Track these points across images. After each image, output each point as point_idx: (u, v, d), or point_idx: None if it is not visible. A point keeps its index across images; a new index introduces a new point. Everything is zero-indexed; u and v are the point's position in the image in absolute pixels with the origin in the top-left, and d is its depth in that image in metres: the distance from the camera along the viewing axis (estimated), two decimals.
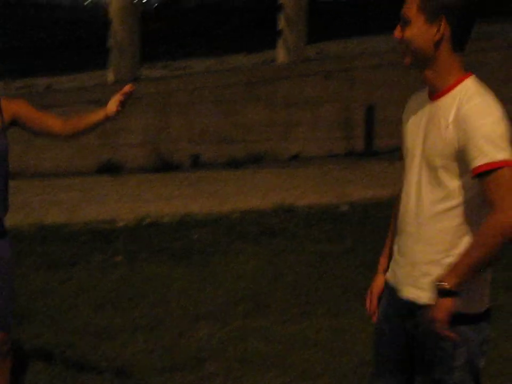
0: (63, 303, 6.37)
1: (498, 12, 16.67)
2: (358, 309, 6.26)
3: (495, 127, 2.74)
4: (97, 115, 4.17)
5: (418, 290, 2.96)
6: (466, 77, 2.86)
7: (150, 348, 5.48)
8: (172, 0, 34.59)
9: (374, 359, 3.31)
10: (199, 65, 15.01)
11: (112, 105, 4.04)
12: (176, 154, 12.55)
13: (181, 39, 18.08)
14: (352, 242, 8.20)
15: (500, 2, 17.15)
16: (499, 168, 2.71)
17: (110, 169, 12.29)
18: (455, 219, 2.87)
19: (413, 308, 2.99)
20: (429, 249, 2.94)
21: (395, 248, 3.14)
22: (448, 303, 2.79)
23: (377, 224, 8.88)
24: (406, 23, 2.83)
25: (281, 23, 13.88)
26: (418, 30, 2.80)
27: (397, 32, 2.88)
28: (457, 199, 2.87)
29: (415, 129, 3.02)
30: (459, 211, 2.87)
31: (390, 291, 3.16)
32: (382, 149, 13.95)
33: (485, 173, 2.73)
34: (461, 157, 2.79)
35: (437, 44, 2.80)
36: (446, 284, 2.79)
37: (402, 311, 3.06)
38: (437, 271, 2.88)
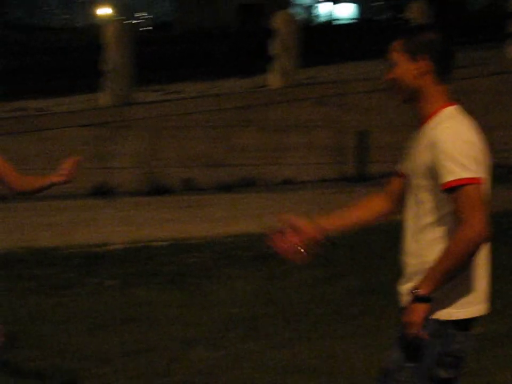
0: (56, 327, 6.36)
1: (487, 39, 16.82)
2: (351, 333, 6.28)
3: (461, 149, 2.99)
4: (46, 180, 4.35)
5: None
6: (448, 105, 3.13)
7: (142, 372, 5.46)
8: (164, 23, 34.71)
9: None
10: (192, 89, 15.07)
11: (60, 174, 4.25)
12: (169, 178, 12.58)
13: (173, 63, 18.13)
14: (344, 267, 8.21)
15: (488, 29, 17.31)
16: (464, 185, 2.96)
17: (103, 192, 12.31)
18: (435, 233, 3.10)
19: None
20: (415, 261, 3.15)
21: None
22: (422, 308, 3.01)
23: (368, 248, 8.91)
24: (392, 65, 3.15)
25: (275, 48, 13.95)
26: (404, 69, 3.12)
27: (387, 75, 3.17)
28: (435, 216, 3.10)
29: (411, 154, 3.26)
30: (437, 226, 3.10)
31: None
32: (374, 174, 13.99)
33: (452, 190, 2.98)
34: (433, 175, 3.05)
35: (421, 78, 3.11)
36: (421, 290, 3.00)
37: None
38: None
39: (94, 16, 53.12)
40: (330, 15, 37.32)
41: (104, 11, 52.86)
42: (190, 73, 17.20)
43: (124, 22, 13.41)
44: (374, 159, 14.13)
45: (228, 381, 5.36)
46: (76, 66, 17.14)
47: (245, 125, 13.21)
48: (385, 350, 5.78)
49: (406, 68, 3.12)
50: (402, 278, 3.25)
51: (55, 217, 10.68)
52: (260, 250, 8.66)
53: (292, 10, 18.73)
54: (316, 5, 56.57)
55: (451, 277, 3.02)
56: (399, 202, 3.33)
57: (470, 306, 3.15)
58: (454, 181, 2.97)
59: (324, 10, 55.49)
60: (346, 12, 54.09)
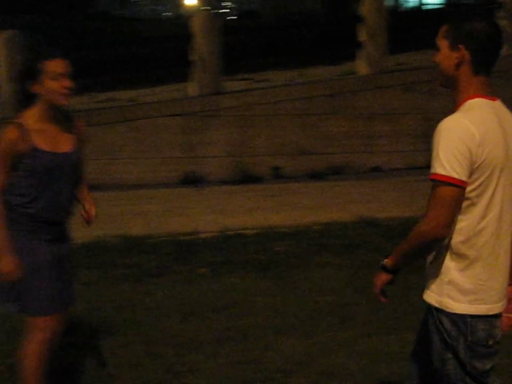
0: (149, 314, 6.47)
1: None
2: None
3: (450, 146, 3.05)
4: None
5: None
6: (475, 97, 3.19)
7: (235, 360, 5.52)
8: (250, 12, 34.76)
9: None
10: (280, 77, 15.07)
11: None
12: (258, 167, 12.63)
13: (261, 52, 18.15)
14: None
15: None
16: (437, 181, 3.08)
17: (193, 181, 12.44)
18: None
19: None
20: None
21: None
22: (382, 275, 3.40)
23: None
24: (437, 49, 3.26)
25: (362, 35, 13.86)
26: (444, 55, 3.22)
27: (434, 57, 3.28)
28: None
29: None
30: None
31: None
32: None
33: (431, 181, 3.12)
34: None
35: (457, 67, 3.19)
36: (387, 261, 3.35)
37: None
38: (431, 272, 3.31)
39: (182, 6, 53.62)
40: (420, 0, 36.79)
41: (191, 1, 53.30)
42: (278, 62, 17.19)
43: (211, 12, 13.46)
44: None
45: (319, 369, 5.38)
46: (165, 57, 17.30)
47: (333, 113, 13.16)
48: None
49: (445, 54, 3.21)
50: None
51: (146, 206, 10.84)
52: (350, 238, 8.65)
53: None
54: None
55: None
56: None
57: (481, 302, 3.22)
58: (432, 174, 3.09)
59: None
60: None
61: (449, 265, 3.22)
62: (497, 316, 3.29)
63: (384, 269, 3.38)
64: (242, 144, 12.86)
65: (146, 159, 12.54)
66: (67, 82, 4.26)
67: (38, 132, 4.29)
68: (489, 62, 3.21)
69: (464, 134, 3.07)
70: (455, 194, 3.08)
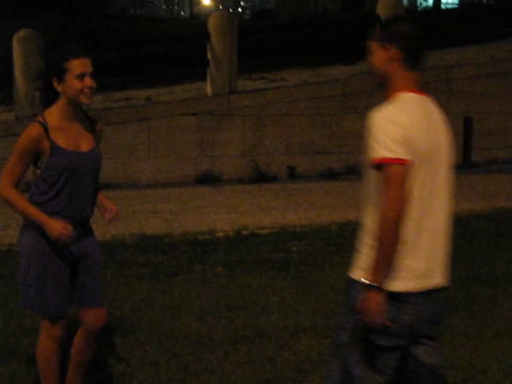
0: (166, 312, 6.47)
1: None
2: (458, 321, 6.19)
3: (387, 130, 3.28)
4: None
5: None
6: (406, 91, 3.44)
7: (252, 359, 5.51)
8: (265, 11, 34.74)
9: None
10: (295, 77, 15.06)
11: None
12: (273, 166, 12.64)
13: (276, 51, 18.15)
14: (452, 255, 8.09)
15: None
16: (385, 164, 3.26)
17: (208, 180, 12.45)
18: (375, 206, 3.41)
19: None
20: None
21: None
22: (377, 296, 3.33)
23: (477, 236, 8.77)
24: (369, 52, 3.52)
25: None
26: (376, 56, 3.48)
27: (368, 60, 3.56)
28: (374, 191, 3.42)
29: None
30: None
31: None
32: (480, 161, 13.77)
33: (377, 167, 3.29)
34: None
35: (389, 65, 3.44)
36: (369, 278, 3.34)
37: None
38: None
39: (198, 6, 53.67)
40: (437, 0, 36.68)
41: (207, 1, 53.33)
42: (293, 61, 17.18)
43: (227, 11, 13.46)
44: (480, 145, 13.88)
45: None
46: (181, 56, 17.31)
47: (348, 112, 13.14)
48: (495, 341, 5.72)
49: (378, 55, 3.47)
50: None
51: (162, 205, 10.86)
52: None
53: None
54: None
55: (390, 258, 3.30)
56: None
57: (400, 281, 3.38)
58: (377, 159, 3.27)
59: None
60: None
61: (374, 245, 3.35)
62: (409, 300, 3.41)
63: (373, 287, 3.33)
64: (257, 143, 12.86)
65: (162, 158, 12.56)
66: (90, 82, 4.30)
67: (60, 130, 4.33)
68: (418, 58, 3.47)
69: (396, 121, 3.32)
70: (403, 170, 3.27)
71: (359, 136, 13.18)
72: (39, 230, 4.33)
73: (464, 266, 7.46)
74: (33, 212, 4.31)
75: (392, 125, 3.31)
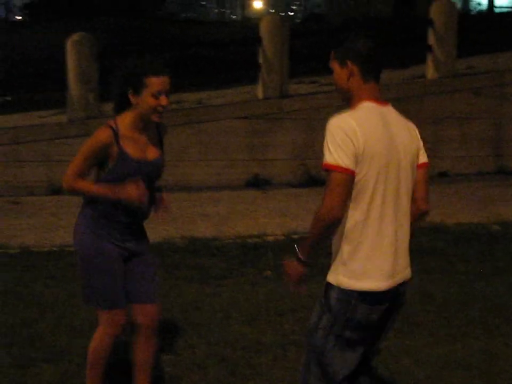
0: (215, 315, 6.48)
1: None
2: (510, 331, 6.11)
3: (334, 137, 3.50)
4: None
5: None
6: (365, 101, 3.66)
7: (300, 364, 5.47)
8: (316, 15, 34.70)
9: None
10: None
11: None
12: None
13: (328, 55, 18.09)
14: (504, 263, 8.00)
15: None
16: (329, 170, 3.50)
17: (258, 183, 12.45)
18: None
19: None
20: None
21: None
22: (299, 267, 3.74)
23: None
24: (331, 71, 3.76)
25: (431, 38, 13.71)
26: (337, 74, 3.72)
27: (332, 80, 3.75)
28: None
29: None
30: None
31: None
32: None
33: (325, 171, 3.53)
34: None
35: (349, 79, 3.67)
36: (299, 253, 3.69)
37: None
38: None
39: (249, 9, 53.75)
40: (491, 3, 36.23)
41: (259, 4, 53.39)
42: None
43: (278, 15, 13.45)
44: None
45: (385, 374, 5.33)
46: (232, 59, 17.38)
47: None
48: None
49: (338, 72, 3.72)
50: None
51: (212, 208, 10.88)
52: (418, 244, 8.54)
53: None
54: None
55: (317, 245, 3.64)
56: None
57: (369, 280, 3.63)
58: (323, 164, 3.52)
59: None
60: (506, 0, 52.52)
61: (343, 248, 3.63)
62: (382, 299, 3.67)
63: (299, 261, 3.71)
64: (307, 147, 12.82)
65: (212, 161, 12.59)
66: (165, 101, 4.36)
67: (129, 137, 4.38)
68: (374, 70, 3.70)
69: (347, 129, 3.51)
70: (344, 179, 3.49)
71: None
72: (93, 226, 4.44)
73: None
74: (101, 189, 4.38)
75: (343, 133, 3.51)
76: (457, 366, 5.52)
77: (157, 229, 9.45)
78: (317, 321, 3.79)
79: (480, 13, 41.75)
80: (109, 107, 4.57)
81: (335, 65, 3.74)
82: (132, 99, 4.33)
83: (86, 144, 4.39)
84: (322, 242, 3.65)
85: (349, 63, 3.68)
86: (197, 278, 7.52)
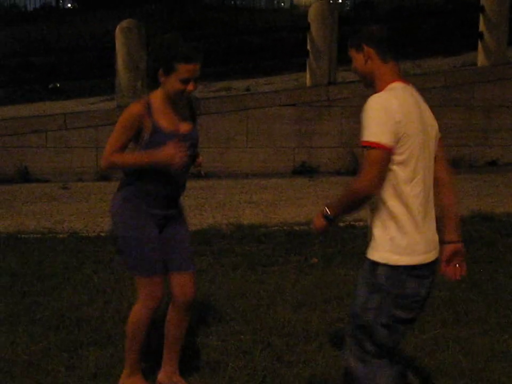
0: (261, 302, 6.48)
1: None
2: None
3: (376, 116, 3.61)
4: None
5: None
6: (394, 82, 3.79)
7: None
8: (366, 2, 34.44)
9: None
10: None
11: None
12: None
13: None
14: None
15: None
16: (368, 146, 3.60)
17: (306, 171, 12.42)
18: (387, 190, 3.75)
19: None
20: None
21: None
22: (324, 221, 3.81)
23: None
24: (351, 58, 3.92)
25: (482, 25, 13.54)
26: (355, 60, 3.89)
27: (352, 67, 3.93)
28: None
29: None
30: None
31: None
32: None
33: (363, 148, 3.64)
34: None
35: (368, 62, 3.83)
36: (328, 210, 3.79)
37: None
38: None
39: None
40: None
41: None
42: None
43: (328, 2, 13.37)
44: None
45: (432, 364, 5.28)
46: (280, 46, 17.32)
47: (450, 105, 12.91)
48: None
49: (356, 58, 3.87)
50: None
51: (259, 195, 10.88)
52: (466, 233, 8.43)
53: None
54: None
55: (347, 212, 3.81)
56: None
57: (417, 254, 3.74)
58: (363, 141, 3.62)
59: None
60: None
61: (389, 225, 3.73)
62: (425, 271, 3.78)
63: (326, 217, 3.80)
64: (355, 134, 12.63)
65: (260, 149, 12.59)
66: (192, 87, 4.49)
67: (162, 111, 4.52)
68: (391, 50, 3.83)
69: (389, 107, 3.63)
70: (383, 156, 3.60)
71: (459, 130, 12.98)
72: (131, 199, 4.59)
73: None
74: (139, 157, 4.50)
75: (385, 111, 3.63)
76: (505, 357, 5.46)
77: (204, 216, 9.50)
78: (365, 301, 3.81)
79: None
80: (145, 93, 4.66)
81: (352, 52, 3.90)
82: (161, 78, 4.45)
83: (120, 120, 4.52)
84: (352, 211, 3.81)
85: (365, 47, 3.83)
86: (244, 265, 7.53)
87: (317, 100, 12.73)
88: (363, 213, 3.97)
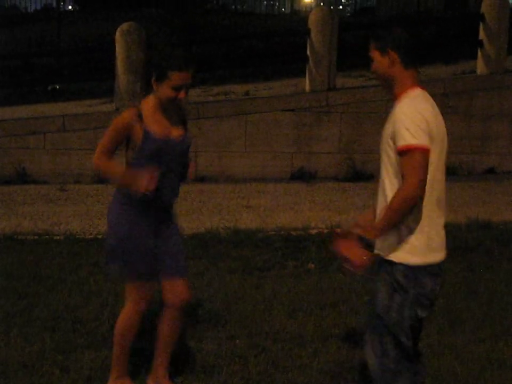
0: (257, 307, 6.48)
1: None
2: None
3: (413, 121, 3.74)
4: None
5: None
6: (414, 88, 3.93)
7: (341, 358, 5.47)
8: (366, 9, 34.46)
9: None
10: None
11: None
12: (369, 164, 12.49)
13: None
14: None
15: None
16: (410, 150, 3.70)
17: (303, 176, 12.41)
18: (391, 186, 3.88)
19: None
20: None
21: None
22: (366, 251, 3.78)
23: None
24: (372, 60, 4.02)
25: (482, 34, 13.55)
26: (378, 62, 3.99)
27: (372, 68, 4.04)
28: (389, 174, 3.91)
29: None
30: (391, 181, 3.90)
31: None
32: None
33: (402, 153, 3.74)
34: (394, 142, 3.82)
35: (391, 67, 3.94)
36: (369, 236, 3.78)
37: None
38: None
39: (298, 2, 53.60)
40: None
41: None
42: None
43: (328, 8, 13.38)
44: None
45: (427, 371, 5.25)
46: (280, 52, 17.32)
47: (449, 112, 12.89)
48: None
49: (379, 61, 3.97)
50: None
51: (256, 200, 10.88)
52: (463, 241, 8.46)
53: None
54: None
55: (394, 226, 3.78)
56: None
57: (432, 253, 3.88)
58: (404, 145, 3.72)
59: None
60: None
61: (405, 225, 3.83)
62: (438, 269, 3.93)
63: (367, 244, 3.81)
64: (354, 141, 12.76)
65: (258, 153, 12.58)
66: (183, 95, 4.53)
67: (153, 118, 4.59)
68: (414, 58, 3.96)
69: (422, 111, 3.80)
70: (426, 158, 3.73)
71: (457, 137, 12.97)
72: (125, 205, 4.63)
73: None
74: (115, 171, 4.56)
75: (420, 115, 3.77)
76: (500, 365, 5.46)
77: (201, 220, 9.49)
78: (389, 301, 3.92)
79: None
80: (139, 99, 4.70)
81: (375, 54, 3.99)
82: (153, 84, 4.53)
83: (112, 124, 4.62)
84: (398, 223, 3.79)
85: (390, 51, 3.93)
86: (240, 269, 7.53)
87: (316, 105, 12.73)
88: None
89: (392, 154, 3.86)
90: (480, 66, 13.65)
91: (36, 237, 8.60)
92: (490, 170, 13.19)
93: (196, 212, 9.96)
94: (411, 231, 3.85)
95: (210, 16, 24.80)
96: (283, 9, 53.79)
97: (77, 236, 8.68)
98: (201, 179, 11.80)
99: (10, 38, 21.04)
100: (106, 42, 14.70)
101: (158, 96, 4.54)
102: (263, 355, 5.50)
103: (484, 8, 13.55)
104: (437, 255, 3.93)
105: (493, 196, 11.25)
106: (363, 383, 5.00)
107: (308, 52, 12.93)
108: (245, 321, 6.13)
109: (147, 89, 4.68)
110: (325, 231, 8.91)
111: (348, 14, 43.81)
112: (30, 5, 33.12)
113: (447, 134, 4.02)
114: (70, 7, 38.40)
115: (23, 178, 11.91)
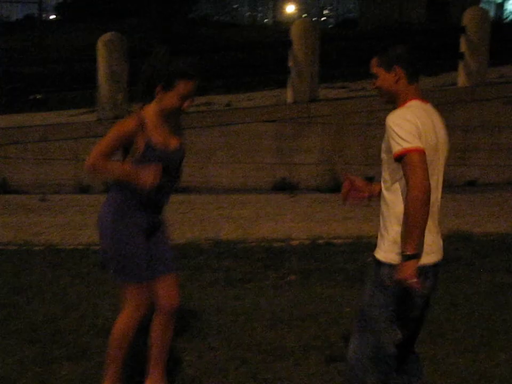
0: (237, 319, 6.45)
1: None
2: None
3: (402, 126, 3.81)
4: None
5: None
6: (413, 100, 3.99)
7: (323, 370, 5.45)
8: (349, 21, 34.60)
9: None
10: None
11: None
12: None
13: (358, 60, 18.03)
14: None
15: None
16: (406, 154, 3.78)
17: (285, 187, 12.42)
18: (390, 195, 4.00)
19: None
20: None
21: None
22: (412, 264, 3.80)
23: None
24: (375, 77, 4.06)
25: (463, 46, 13.63)
26: (383, 79, 4.02)
27: (372, 85, 4.09)
28: (389, 181, 4.00)
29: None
30: (391, 189, 4.00)
31: None
32: None
33: (399, 158, 3.82)
34: (389, 150, 3.90)
35: (396, 83, 4.00)
36: (407, 251, 3.79)
37: None
38: None
39: (281, 13, 53.73)
40: None
41: (291, 8, 53.33)
42: None
43: (311, 19, 13.42)
44: None
45: None
46: (262, 63, 17.36)
47: None
48: None
49: (384, 77, 4.00)
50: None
51: (237, 211, 10.87)
52: (443, 252, 8.46)
53: (482, 7, 18.17)
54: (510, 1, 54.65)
55: (424, 229, 3.81)
56: None
57: (431, 253, 3.96)
58: (399, 150, 3.80)
59: None
60: None
61: (395, 228, 3.91)
62: (429, 269, 3.98)
63: (410, 257, 3.80)
64: (336, 152, 12.79)
65: (240, 164, 12.58)
66: (188, 103, 4.49)
67: (155, 127, 4.53)
68: (416, 72, 4.03)
69: (412, 120, 3.84)
70: (423, 157, 3.79)
71: None
72: (119, 207, 4.59)
73: None
74: (119, 172, 4.51)
75: (409, 123, 3.83)
76: (481, 377, 5.45)
77: (182, 231, 9.46)
78: (371, 299, 4.02)
79: None
80: (137, 107, 4.63)
81: (380, 71, 4.03)
82: (159, 93, 4.45)
83: (113, 130, 4.52)
84: (425, 224, 3.81)
85: (397, 68, 3.98)
86: (221, 281, 7.51)
87: (298, 116, 12.76)
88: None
89: (387, 163, 3.98)
90: (461, 78, 13.73)
91: (15, 248, 8.55)
92: (472, 183, 13.24)
93: (177, 222, 9.93)
94: (399, 233, 3.90)
95: (193, 26, 24.84)
96: (265, 20, 53.92)
97: (57, 247, 8.63)
98: (184, 189, 11.78)
99: None
100: (89, 52, 14.68)
101: (162, 105, 4.47)
102: (244, 367, 5.47)
103: (466, 21, 13.64)
104: (425, 258, 3.93)
105: (474, 208, 11.29)
106: None
107: (290, 63, 12.97)
108: (225, 333, 6.10)
109: (145, 99, 4.54)
110: (306, 242, 8.91)
111: (331, 26, 43.92)
112: (13, 14, 33.03)
113: None
114: (52, 17, 38.33)
115: (3, 188, 11.86)
